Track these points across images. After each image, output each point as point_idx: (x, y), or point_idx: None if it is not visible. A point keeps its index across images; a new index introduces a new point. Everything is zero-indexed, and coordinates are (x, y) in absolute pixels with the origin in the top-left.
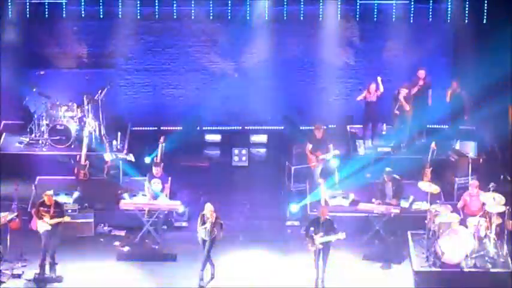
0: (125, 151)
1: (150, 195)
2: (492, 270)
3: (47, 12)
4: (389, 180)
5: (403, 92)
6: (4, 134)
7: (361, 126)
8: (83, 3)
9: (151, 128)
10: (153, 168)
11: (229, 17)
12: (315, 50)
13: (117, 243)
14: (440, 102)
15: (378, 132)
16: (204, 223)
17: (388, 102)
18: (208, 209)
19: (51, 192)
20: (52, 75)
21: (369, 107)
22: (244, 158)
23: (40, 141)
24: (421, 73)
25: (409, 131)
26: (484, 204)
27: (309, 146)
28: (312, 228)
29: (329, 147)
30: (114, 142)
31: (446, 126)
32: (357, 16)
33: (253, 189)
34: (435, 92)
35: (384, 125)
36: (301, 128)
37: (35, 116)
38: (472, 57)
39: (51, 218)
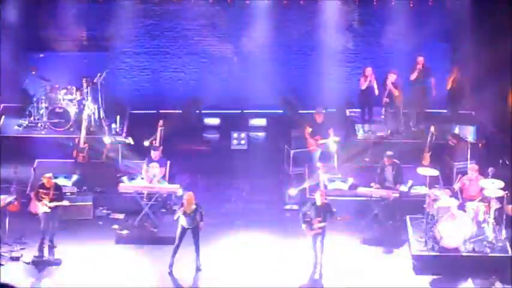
0: (124, 134)
1: (148, 179)
2: (490, 254)
3: None
4: (389, 164)
5: (391, 77)
6: (3, 116)
7: (359, 110)
8: None
9: (150, 111)
10: (152, 151)
11: (229, 0)
12: (314, 34)
13: (115, 226)
14: (439, 86)
15: (376, 116)
16: (184, 212)
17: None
18: (188, 197)
19: (50, 174)
20: (51, 58)
21: (364, 91)
22: (243, 142)
23: (39, 124)
24: (420, 60)
25: (402, 116)
26: (482, 189)
27: (308, 130)
28: (309, 213)
29: (329, 131)
30: (113, 125)
31: (445, 111)
32: (357, 0)
33: (252, 173)
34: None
35: (383, 109)
36: (300, 111)
37: (34, 99)
38: (472, 42)
39: (51, 200)
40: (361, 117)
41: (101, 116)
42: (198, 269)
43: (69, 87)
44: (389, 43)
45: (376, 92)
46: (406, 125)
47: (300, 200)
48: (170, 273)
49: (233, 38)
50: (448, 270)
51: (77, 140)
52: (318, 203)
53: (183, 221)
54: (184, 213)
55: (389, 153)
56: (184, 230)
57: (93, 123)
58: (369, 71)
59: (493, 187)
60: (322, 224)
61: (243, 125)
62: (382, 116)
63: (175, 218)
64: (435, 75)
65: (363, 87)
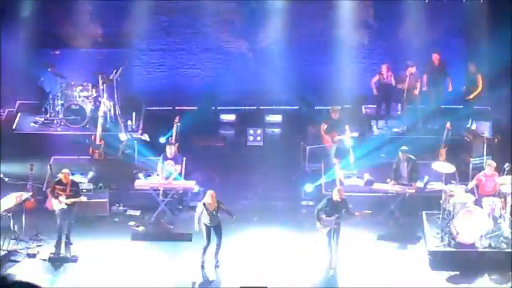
0: (140, 131)
1: (163, 176)
2: (507, 250)
3: None
4: (404, 159)
5: (412, 69)
6: (19, 113)
7: (375, 106)
8: None
9: (166, 108)
10: (167, 148)
11: None
12: (329, 30)
13: (132, 223)
14: (455, 82)
15: (392, 112)
16: (207, 210)
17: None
18: (210, 196)
19: (67, 170)
20: (67, 55)
21: (381, 87)
22: (259, 138)
23: (55, 121)
24: (435, 56)
25: (420, 112)
26: (498, 184)
27: (324, 126)
28: (327, 209)
29: (345, 127)
30: (129, 122)
31: (461, 107)
32: None
33: (268, 169)
34: (450, 71)
35: (399, 105)
36: (316, 107)
37: (50, 96)
38: (488, 37)
39: (68, 197)
40: (377, 113)
41: (117, 113)
42: (216, 266)
43: (84, 84)
44: (405, 39)
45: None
46: (422, 120)
47: (316, 196)
48: (202, 267)
49: (249, 34)
50: (464, 266)
51: (92, 137)
52: (335, 198)
53: (205, 219)
54: (207, 211)
55: (404, 148)
56: (208, 228)
57: (108, 120)
58: (385, 68)
59: (510, 182)
60: (366, 212)
61: (259, 121)
62: (399, 112)
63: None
64: (450, 73)
65: (373, 85)
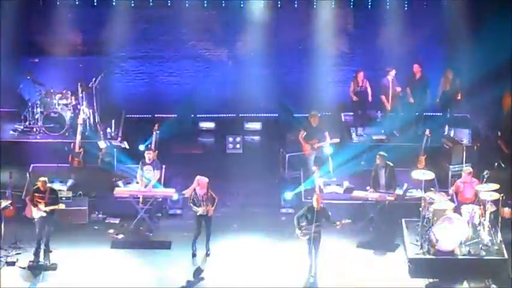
0: (119, 138)
1: (143, 183)
2: (486, 257)
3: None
4: (382, 165)
5: (392, 73)
6: None
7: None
8: None
9: (145, 116)
10: (146, 154)
11: (223, 5)
12: (309, 38)
13: (111, 230)
14: (435, 89)
15: (371, 119)
16: (196, 198)
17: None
18: (201, 180)
19: (44, 178)
20: (46, 62)
21: (357, 94)
22: (238, 146)
23: (34, 129)
24: (416, 68)
25: (401, 118)
26: (477, 192)
27: (302, 133)
28: (306, 216)
29: (325, 134)
30: (109, 130)
31: (440, 114)
32: (351, 3)
33: (247, 177)
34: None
35: (379, 112)
36: (295, 115)
37: (29, 104)
38: (467, 45)
39: (46, 204)
40: (355, 120)
41: (96, 121)
42: (207, 254)
43: (64, 91)
44: (385, 46)
45: (370, 97)
46: (402, 128)
47: (296, 203)
48: (193, 256)
49: (228, 42)
50: (443, 273)
51: (72, 144)
52: (315, 205)
53: (196, 208)
54: (197, 200)
55: (382, 153)
56: (199, 217)
57: (88, 127)
58: (361, 75)
59: (488, 190)
60: (346, 221)
61: (238, 129)
62: (378, 119)
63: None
64: (430, 83)
65: (352, 93)
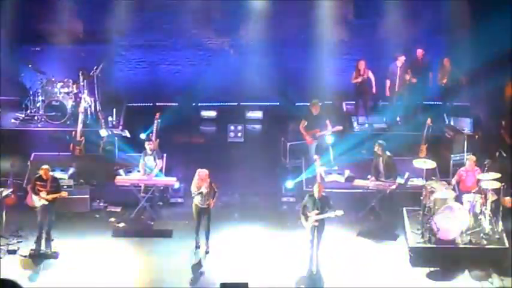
0: (121, 127)
1: (144, 172)
2: (487, 246)
3: None
4: (380, 154)
5: (401, 59)
6: None
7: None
8: None
9: (146, 104)
10: (146, 144)
11: None
12: (310, 27)
13: (112, 219)
14: (435, 78)
15: (372, 108)
16: (198, 189)
17: (381, 78)
18: (202, 173)
19: (47, 166)
20: (48, 51)
21: (359, 84)
22: (239, 134)
23: (35, 117)
24: (419, 52)
25: (405, 107)
26: (479, 180)
27: (304, 123)
28: (308, 205)
29: (326, 123)
30: (110, 118)
31: (441, 103)
32: None
33: (249, 166)
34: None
35: (380, 101)
36: (296, 104)
37: (31, 92)
38: (469, 34)
39: (48, 193)
40: (356, 109)
41: (98, 109)
42: (206, 252)
43: (65, 80)
44: (385, 35)
45: (374, 88)
46: (404, 116)
47: (297, 192)
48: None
49: (230, 31)
50: (444, 262)
51: (73, 133)
52: (316, 195)
53: (196, 199)
54: (198, 191)
55: (380, 141)
56: (198, 209)
57: (89, 116)
58: (362, 64)
59: (489, 178)
60: (321, 217)
61: (239, 118)
62: (379, 108)
63: (200, 196)
64: (433, 66)
65: (354, 81)
